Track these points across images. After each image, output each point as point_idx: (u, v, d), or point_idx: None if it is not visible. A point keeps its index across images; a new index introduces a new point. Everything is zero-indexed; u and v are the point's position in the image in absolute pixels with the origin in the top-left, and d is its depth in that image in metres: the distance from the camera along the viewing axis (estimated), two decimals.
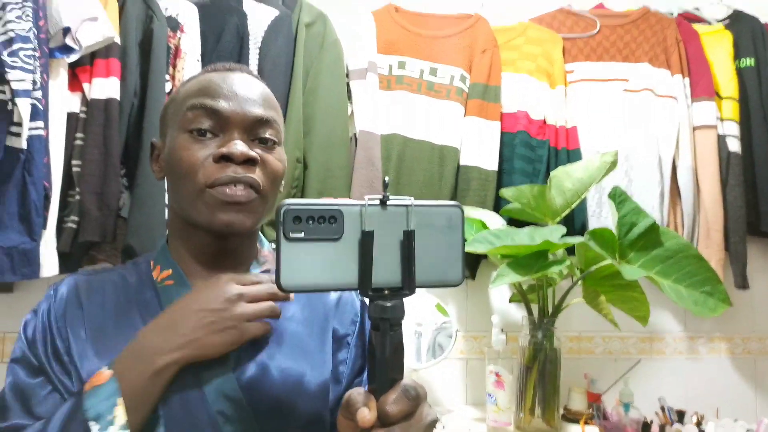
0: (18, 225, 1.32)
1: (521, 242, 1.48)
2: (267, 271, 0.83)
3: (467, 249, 1.52)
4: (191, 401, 0.70)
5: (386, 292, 0.52)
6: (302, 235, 0.49)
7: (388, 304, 0.51)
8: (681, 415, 1.82)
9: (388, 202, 0.51)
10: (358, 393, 0.53)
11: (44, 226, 1.37)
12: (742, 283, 1.88)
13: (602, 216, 1.87)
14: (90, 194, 1.48)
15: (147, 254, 0.86)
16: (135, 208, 1.50)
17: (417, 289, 0.53)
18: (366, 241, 0.50)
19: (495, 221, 1.70)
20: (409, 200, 0.51)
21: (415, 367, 1.62)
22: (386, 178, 0.56)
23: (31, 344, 0.75)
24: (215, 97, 0.76)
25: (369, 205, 0.50)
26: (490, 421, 1.51)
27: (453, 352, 1.82)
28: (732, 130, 1.93)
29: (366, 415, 0.50)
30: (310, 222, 0.49)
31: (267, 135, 0.78)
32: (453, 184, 1.84)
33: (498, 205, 1.82)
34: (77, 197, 1.48)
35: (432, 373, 1.81)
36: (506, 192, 1.73)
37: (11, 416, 0.72)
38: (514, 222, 1.74)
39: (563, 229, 1.52)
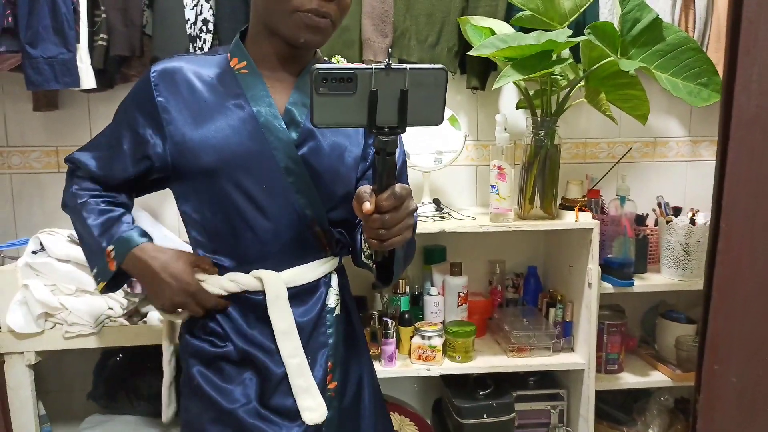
0: (53, 37, 1.45)
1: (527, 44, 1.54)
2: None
3: (474, 53, 1.58)
4: (266, 158, 0.98)
5: (386, 129, 0.71)
6: (327, 90, 0.68)
7: (387, 138, 0.71)
8: (678, 212, 1.97)
9: (390, 68, 0.68)
10: (364, 191, 0.76)
11: (77, 40, 1.49)
12: None
13: (615, 24, 1.87)
14: (114, 11, 1.57)
15: (218, 47, 1.08)
16: (157, 24, 1.60)
17: (408, 128, 0.72)
18: (372, 96, 0.69)
19: (504, 29, 1.74)
20: (406, 66, 0.69)
21: (428, 169, 1.77)
22: (389, 50, 0.71)
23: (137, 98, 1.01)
24: None
25: (376, 69, 0.68)
26: (492, 208, 1.66)
27: (464, 159, 1.96)
28: None
29: (368, 206, 0.75)
30: (333, 81, 0.68)
31: None
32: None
33: (509, 18, 1.83)
34: (103, 15, 1.57)
35: (444, 178, 1.96)
36: None
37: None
38: (525, 33, 1.76)
39: (569, 32, 1.56)
